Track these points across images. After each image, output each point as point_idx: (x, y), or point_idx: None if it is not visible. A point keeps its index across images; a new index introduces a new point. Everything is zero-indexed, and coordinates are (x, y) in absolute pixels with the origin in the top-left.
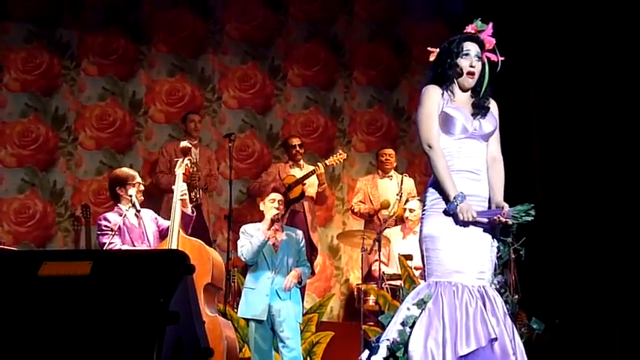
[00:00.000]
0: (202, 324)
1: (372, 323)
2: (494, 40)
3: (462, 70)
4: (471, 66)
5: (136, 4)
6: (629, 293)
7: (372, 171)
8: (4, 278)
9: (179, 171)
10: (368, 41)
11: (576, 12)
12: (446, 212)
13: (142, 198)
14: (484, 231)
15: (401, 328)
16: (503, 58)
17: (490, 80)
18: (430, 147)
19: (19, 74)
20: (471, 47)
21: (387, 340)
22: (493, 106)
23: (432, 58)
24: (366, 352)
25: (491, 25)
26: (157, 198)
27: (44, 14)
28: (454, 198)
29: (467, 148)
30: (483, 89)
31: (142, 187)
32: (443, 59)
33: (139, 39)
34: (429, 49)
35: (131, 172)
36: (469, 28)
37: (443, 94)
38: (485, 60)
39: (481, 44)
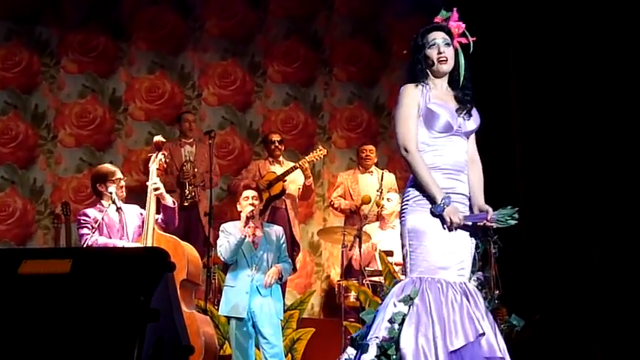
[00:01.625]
0: (183, 321)
1: (352, 319)
2: (463, 25)
3: (432, 60)
4: (439, 53)
5: (116, 1)
6: (610, 288)
7: (352, 167)
8: None
9: (153, 166)
10: (348, 37)
11: (559, 8)
12: (432, 213)
13: (124, 194)
14: (466, 229)
15: (389, 325)
16: (474, 39)
17: (466, 67)
18: (407, 151)
19: None
20: (436, 36)
21: (376, 337)
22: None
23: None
24: (352, 350)
25: (455, 10)
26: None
27: (24, 11)
28: (442, 200)
29: (452, 145)
30: (462, 77)
31: (122, 184)
32: (412, 55)
33: (119, 36)
34: (405, 52)
35: (112, 168)
36: (436, 20)
37: (422, 91)
38: (458, 46)
39: (448, 32)
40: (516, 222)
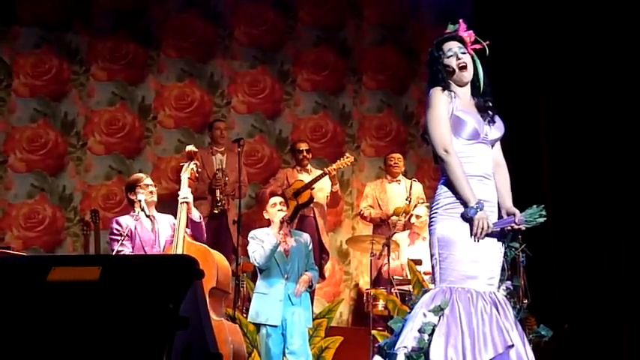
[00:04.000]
0: (212, 329)
1: (381, 328)
2: (472, 32)
3: (452, 67)
4: (458, 58)
5: (146, 9)
6: (638, 297)
7: (381, 176)
8: (14, 283)
9: (184, 175)
10: (377, 46)
11: (586, 16)
12: (463, 217)
13: (155, 199)
14: (495, 237)
15: (419, 335)
16: (488, 42)
17: (485, 73)
18: (447, 152)
19: (28, 79)
20: (451, 45)
21: (404, 347)
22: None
23: None
24: (379, 359)
25: (461, 21)
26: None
27: (53, 19)
28: (476, 204)
29: (478, 152)
30: (482, 82)
31: (151, 189)
32: (431, 68)
33: (148, 44)
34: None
35: (139, 175)
36: (446, 33)
37: (450, 97)
38: (473, 53)
39: (461, 40)
40: (545, 218)
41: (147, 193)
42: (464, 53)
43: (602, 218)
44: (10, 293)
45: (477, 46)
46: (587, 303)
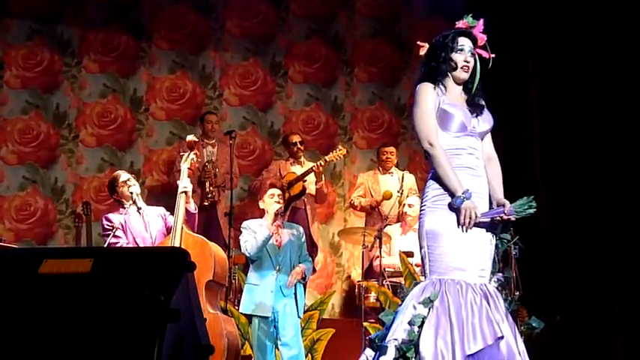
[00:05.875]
0: (203, 321)
1: (373, 320)
2: (485, 37)
3: (456, 64)
4: (466, 61)
5: (137, 1)
6: (630, 289)
7: (373, 168)
8: (5, 276)
9: (184, 165)
10: (369, 38)
11: (578, 7)
12: (450, 207)
13: (138, 190)
14: (485, 229)
15: (409, 327)
16: (494, 55)
17: (481, 77)
18: (431, 145)
19: (19, 71)
20: (464, 42)
21: (395, 340)
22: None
23: (422, 52)
24: (370, 352)
25: (482, 21)
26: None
27: (45, 11)
28: (463, 193)
29: (467, 145)
30: (475, 86)
31: (130, 182)
32: (437, 53)
33: (140, 36)
34: (418, 43)
35: (114, 174)
36: (460, 24)
37: (438, 92)
38: (477, 56)
39: (474, 40)
40: (535, 209)
41: (131, 185)
42: (472, 54)
43: (594, 210)
44: (2, 286)
45: (483, 53)
46: (578, 295)
